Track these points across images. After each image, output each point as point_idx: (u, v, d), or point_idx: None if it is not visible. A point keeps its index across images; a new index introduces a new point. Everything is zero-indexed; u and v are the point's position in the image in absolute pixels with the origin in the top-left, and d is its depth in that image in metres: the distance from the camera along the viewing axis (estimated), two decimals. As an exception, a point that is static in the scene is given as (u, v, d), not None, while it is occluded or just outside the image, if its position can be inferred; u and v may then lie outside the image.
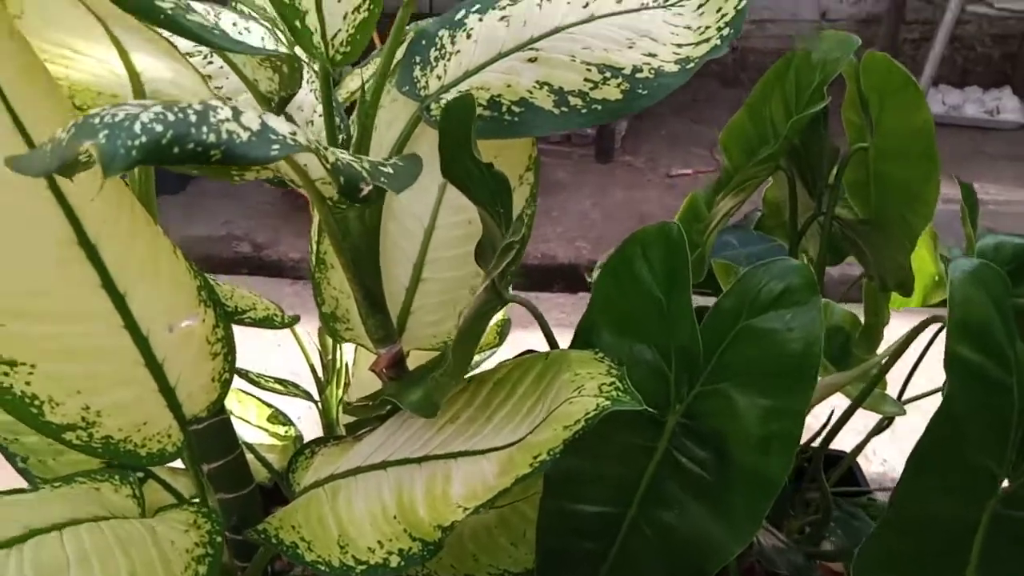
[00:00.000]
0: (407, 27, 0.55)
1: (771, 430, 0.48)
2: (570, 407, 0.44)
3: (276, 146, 0.28)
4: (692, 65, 0.52)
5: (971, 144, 2.45)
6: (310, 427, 0.99)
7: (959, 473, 0.40)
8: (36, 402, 0.49)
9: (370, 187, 0.35)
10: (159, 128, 0.25)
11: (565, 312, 1.78)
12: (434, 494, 0.50)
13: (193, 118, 0.26)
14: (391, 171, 0.38)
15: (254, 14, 0.63)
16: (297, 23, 0.42)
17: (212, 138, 0.26)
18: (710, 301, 0.50)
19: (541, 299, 1.83)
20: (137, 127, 0.25)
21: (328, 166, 0.31)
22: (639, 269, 0.48)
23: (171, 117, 0.26)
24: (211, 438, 0.61)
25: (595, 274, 0.95)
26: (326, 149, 0.33)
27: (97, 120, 0.25)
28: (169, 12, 0.36)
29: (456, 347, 0.45)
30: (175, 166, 0.27)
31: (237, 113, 0.28)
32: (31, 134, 0.42)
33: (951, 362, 0.39)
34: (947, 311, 0.38)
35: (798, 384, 0.47)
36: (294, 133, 0.30)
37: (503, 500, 0.49)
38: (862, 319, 0.78)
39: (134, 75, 0.54)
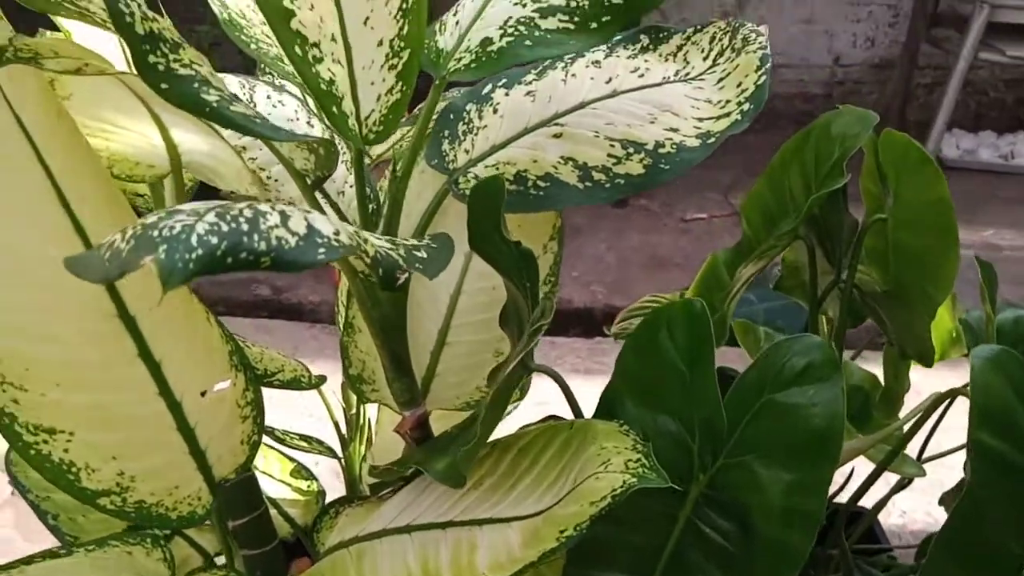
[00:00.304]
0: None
1: (794, 503, 0.48)
2: (597, 482, 0.45)
3: (322, 250, 0.29)
4: (713, 140, 0.54)
5: (986, 188, 2.46)
6: (325, 472, 1.00)
7: (983, 557, 0.41)
8: (73, 469, 0.50)
9: (407, 274, 0.36)
10: (214, 240, 0.26)
11: (580, 357, 1.78)
12: (460, 563, 0.50)
13: (245, 227, 0.28)
14: (425, 255, 0.39)
15: (285, 83, 0.66)
16: (335, 108, 0.44)
17: (263, 246, 0.27)
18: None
19: (556, 343, 1.83)
20: (194, 239, 0.26)
21: (368, 260, 0.32)
22: (663, 343, 0.49)
23: (224, 228, 0.27)
24: (237, 495, 0.62)
25: (614, 329, 0.96)
26: (365, 242, 0.34)
27: (156, 233, 0.26)
28: (215, 105, 0.37)
29: (484, 420, 0.46)
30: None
31: (285, 217, 0.29)
32: (80, 219, 0.44)
33: (973, 449, 0.39)
34: (969, 396, 0.39)
35: (821, 459, 0.47)
36: (337, 233, 0.31)
37: (527, 572, 0.50)
38: (880, 374, 0.79)
39: (172, 147, 0.56)
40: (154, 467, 0.53)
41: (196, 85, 0.37)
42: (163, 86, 0.36)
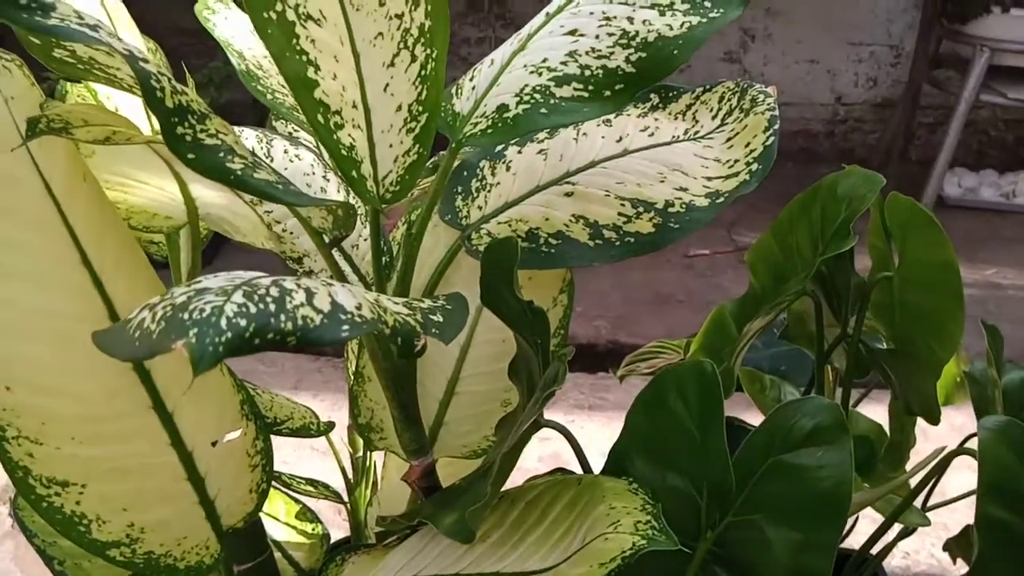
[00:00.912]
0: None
1: (801, 564, 0.49)
2: (606, 543, 0.45)
3: (346, 327, 0.30)
4: (722, 200, 0.55)
5: (988, 227, 2.47)
6: (325, 508, 0.99)
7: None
8: (84, 521, 0.50)
9: (423, 341, 0.37)
10: (243, 323, 0.27)
11: (584, 393, 1.78)
12: (467, 618, 0.50)
13: (272, 307, 0.28)
14: (440, 319, 0.40)
15: (299, 133, 0.67)
16: (354, 173, 0.45)
17: (289, 326, 0.28)
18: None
19: (560, 379, 1.83)
20: (223, 322, 0.27)
21: (388, 331, 0.33)
22: (674, 404, 0.49)
23: (252, 309, 0.28)
24: (243, 541, 0.62)
25: (620, 372, 0.97)
26: (385, 312, 0.35)
27: (186, 316, 0.27)
28: (239, 173, 0.38)
29: (496, 477, 0.46)
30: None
31: (310, 295, 0.30)
32: (101, 279, 0.45)
33: (982, 523, 0.40)
34: (977, 470, 0.40)
35: (829, 520, 0.48)
36: (360, 307, 0.32)
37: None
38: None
39: (190, 201, 0.57)
40: (164, 518, 0.53)
41: (222, 155, 0.38)
42: (190, 156, 0.37)
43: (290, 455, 1.50)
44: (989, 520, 0.40)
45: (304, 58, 0.41)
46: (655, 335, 1.89)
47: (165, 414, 0.52)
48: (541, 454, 1.46)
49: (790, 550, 0.49)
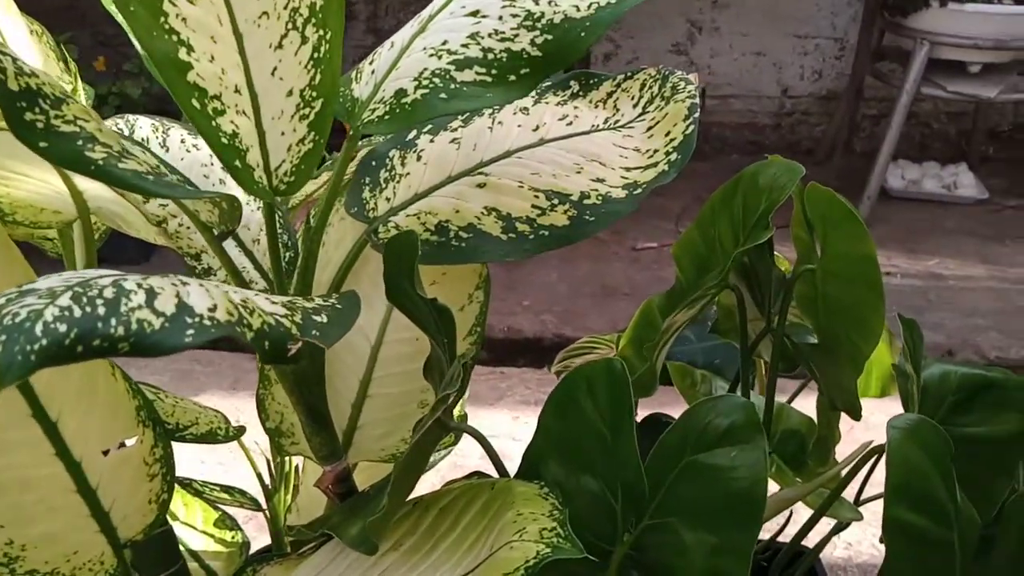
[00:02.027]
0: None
1: (718, 566, 0.47)
2: (511, 552, 0.43)
3: (191, 332, 0.27)
4: (640, 191, 0.53)
5: (930, 219, 2.51)
6: (258, 515, 0.96)
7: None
8: (-47, 540, 0.46)
9: (299, 344, 0.34)
10: (63, 328, 0.24)
11: (530, 388, 1.76)
12: (373, 631, 0.48)
13: (102, 310, 0.25)
14: (324, 320, 0.37)
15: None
16: (237, 162, 0.42)
17: (120, 331, 0.25)
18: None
19: (507, 374, 1.82)
20: (38, 329, 0.24)
21: (251, 335, 0.30)
22: (584, 404, 0.47)
23: (78, 312, 0.25)
24: (152, 551, 0.59)
25: (554, 368, 0.95)
26: (251, 314, 0.32)
27: (-3, 321, 0.24)
28: (100, 163, 0.35)
29: (393, 488, 0.44)
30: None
31: (152, 296, 0.27)
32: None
33: (890, 527, 0.38)
34: (884, 472, 0.38)
35: (744, 521, 0.46)
36: (214, 308, 0.29)
37: (443, 642, 0.47)
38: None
39: (77, 195, 0.53)
40: (49, 533, 0.50)
41: (80, 143, 0.35)
42: (42, 144, 0.34)
43: (226, 456, 1.45)
44: (897, 523, 0.39)
45: (174, 38, 0.38)
46: (601, 329, 1.88)
47: (47, 422, 0.48)
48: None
49: (706, 553, 0.48)
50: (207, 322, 0.28)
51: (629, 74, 0.59)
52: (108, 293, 0.26)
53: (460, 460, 1.45)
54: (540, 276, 2.11)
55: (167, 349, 0.26)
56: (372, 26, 2.67)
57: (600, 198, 0.53)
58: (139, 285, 0.28)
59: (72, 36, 2.13)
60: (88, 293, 0.26)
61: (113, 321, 0.25)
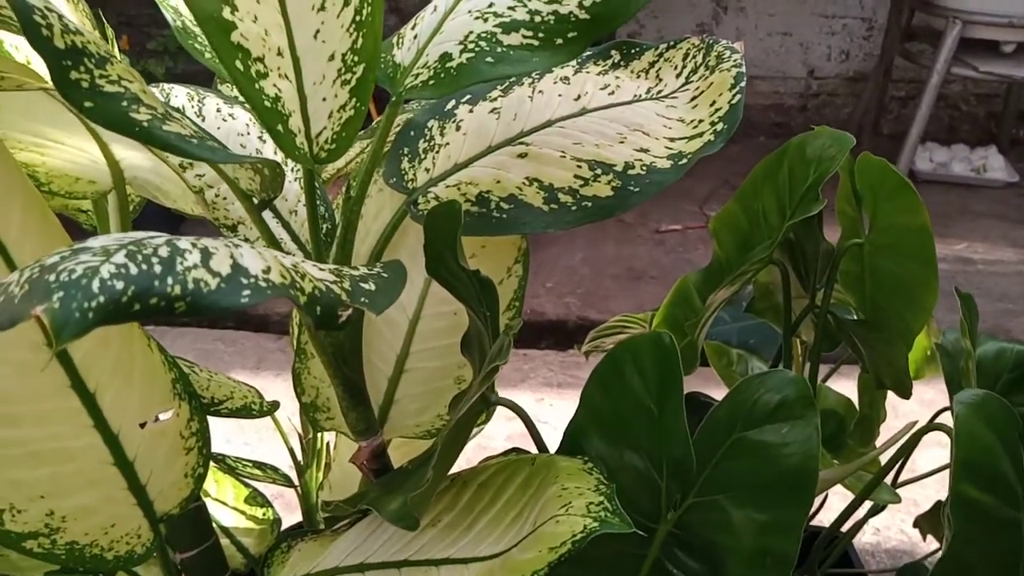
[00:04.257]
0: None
1: (767, 545, 0.46)
2: (557, 527, 0.42)
3: (247, 292, 0.26)
4: (685, 161, 0.51)
5: (959, 202, 2.47)
6: (289, 491, 0.96)
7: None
8: (-6, 510, 0.46)
9: (349, 311, 0.33)
10: (120, 285, 0.23)
11: (553, 370, 1.75)
12: (414, 606, 0.48)
13: (158, 268, 0.25)
14: (372, 287, 0.36)
15: (240, 96, 0.62)
16: (280, 127, 0.41)
17: (177, 290, 0.24)
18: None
19: (529, 356, 1.81)
20: (95, 285, 0.23)
21: (304, 299, 0.30)
22: (630, 378, 0.46)
23: (134, 270, 0.24)
24: (185, 526, 0.59)
25: (585, 347, 0.94)
26: (303, 278, 0.31)
27: (53, 278, 0.23)
28: (145, 124, 0.34)
29: (438, 462, 0.43)
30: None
31: (207, 256, 0.26)
32: (7, 247, 0.41)
33: (956, 503, 0.37)
34: (951, 448, 0.37)
35: (795, 499, 0.45)
36: (268, 271, 0.28)
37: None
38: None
39: (114, 164, 0.53)
40: (88, 505, 0.50)
41: (125, 103, 0.34)
42: (87, 104, 0.33)
43: (252, 437, 1.46)
44: (964, 501, 0.37)
45: (218, -4, 0.37)
46: (625, 311, 1.87)
47: (86, 394, 0.48)
48: (510, 432, 1.43)
49: (754, 531, 0.46)
50: (262, 283, 0.27)
51: (672, 43, 0.58)
52: (163, 252, 0.26)
53: (485, 442, 1.45)
54: (563, 258, 2.09)
55: (224, 309, 0.25)
56: (394, 5, 2.65)
57: (644, 168, 0.51)
58: (193, 245, 0.27)
59: (95, 12, 2.13)
60: (143, 251, 0.25)
61: (170, 280, 0.24)
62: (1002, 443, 0.38)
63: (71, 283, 0.23)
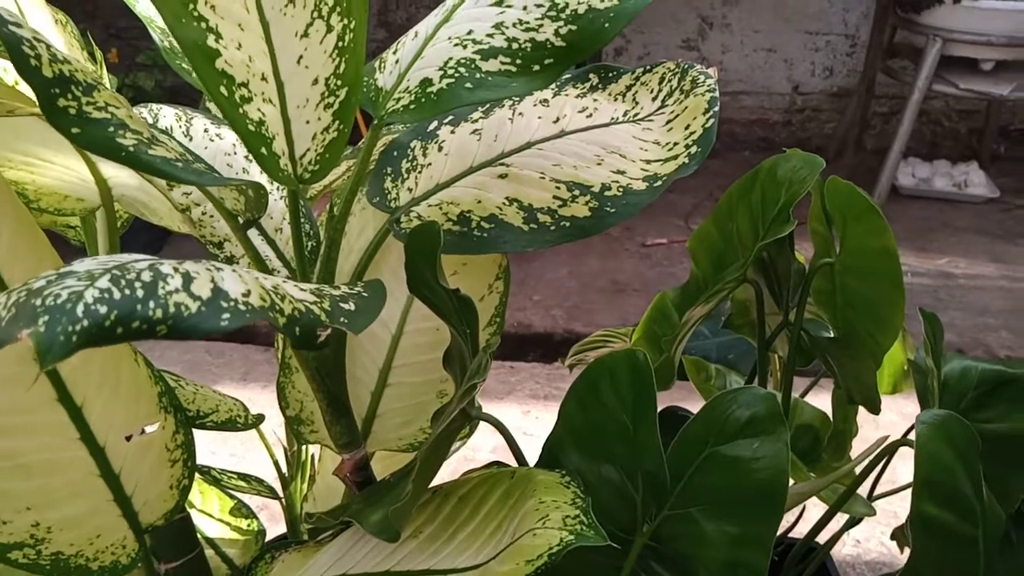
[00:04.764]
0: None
1: (739, 557, 0.47)
2: (534, 539, 0.43)
3: (226, 316, 0.27)
4: (660, 183, 0.53)
5: (940, 217, 2.50)
6: (274, 504, 0.96)
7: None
8: (-19, 523, 0.47)
9: (328, 332, 0.34)
10: (103, 310, 0.25)
11: (539, 383, 1.77)
12: (394, 617, 0.48)
13: (140, 293, 0.26)
14: (352, 307, 0.38)
15: (227, 115, 0.64)
16: (264, 150, 0.42)
17: (159, 314, 0.25)
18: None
19: (516, 368, 1.82)
20: (80, 310, 0.24)
21: (283, 320, 0.31)
22: (605, 394, 0.48)
23: (117, 295, 0.25)
24: (170, 537, 0.59)
25: (568, 361, 0.95)
26: (282, 299, 0.32)
27: (39, 303, 0.24)
28: (131, 149, 0.36)
29: (418, 475, 0.44)
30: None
31: (188, 280, 0.27)
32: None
33: (916, 521, 0.38)
34: (912, 466, 0.38)
35: (766, 512, 0.46)
36: (247, 294, 0.29)
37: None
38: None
39: (102, 182, 0.54)
40: (73, 516, 0.50)
41: (111, 129, 0.35)
42: (74, 131, 0.34)
43: (239, 448, 1.46)
44: (924, 518, 0.39)
45: (203, 25, 0.38)
46: (610, 325, 1.88)
47: (73, 407, 0.49)
48: (495, 444, 1.44)
49: (727, 543, 0.48)
50: (242, 307, 0.28)
51: (648, 68, 0.60)
52: (146, 276, 0.27)
53: (471, 454, 1.45)
54: (550, 271, 2.11)
55: (203, 332, 0.26)
56: (383, 20, 2.67)
57: (621, 190, 0.53)
58: (175, 269, 0.28)
59: (84, 28, 2.14)
60: (126, 276, 0.26)
61: (151, 304, 0.26)
62: (961, 462, 0.39)
63: (56, 307, 0.24)
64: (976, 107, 2.79)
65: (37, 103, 0.34)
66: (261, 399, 1.57)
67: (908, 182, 2.59)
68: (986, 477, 0.46)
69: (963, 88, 2.28)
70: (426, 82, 0.45)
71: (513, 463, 0.60)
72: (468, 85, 0.45)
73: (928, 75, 2.30)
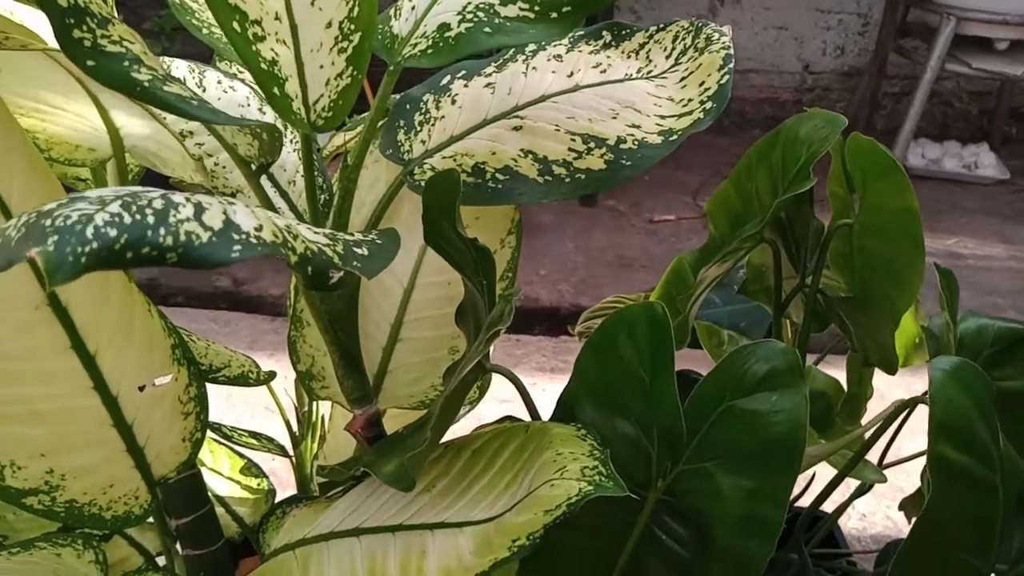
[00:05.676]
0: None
1: (754, 511, 0.47)
2: (552, 490, 0.43)
3: (238, 247, 0.27)
4: (675, 138, 0.52)
5: (950, 198, 2.48)
6: (282, 467, 0.96)
7: (946, 573, 0.39)
8: (-4, 466, 0.47)
9: (340, 273, 0.34)
10: (113, 233, 0.24)
11: (546, 356, 1.77)
12: (408, 569, 0.48)
13: (151, 219, 0.25)
14: (365, 252, 0.37)
15: (240, 71, 0.63)
16: (276, 90, 0.41)
17: (169, 241, 0.25)
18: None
19: (522, 341, 1.82)
20: (89, 231, 0.24)
21: (295, 258, 0.30)
22: (623, 347, 0.47)
23: (127, 219, 0.25)
24: (181, 493, 0.60)
25: (577, 329, 0.95)
26: (295, 238, 0.32)
27: (49, 223, 0.24)
28: (146, 84, 0.35)
29: (436, 423, 0.44)
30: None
31: (200, 210, 0.27)
32: (10, 207, 0.41)
33: (934, 464, 0.38)
34: (928, 411, 0.38)
35: (782, 467, 0.46)
36: (260, 228, 0.29)
37: (478, 579, 0.48)
38: (844, 379, 0.78)
39: (113, 131, 0.53)
40: (87, 464, 0.50)
41: (126, 63, 0.35)
42: (89, 63, 0.34)
43: (245, 413, 1.46)
44: (942, 461, 0.38)
45: (219, -41, 0.37)
46: (618, 298, 1.86)
47: (86, 355, 0.49)
48: (503, 415, 1.44)
49: (742, 498, 0.47)
50: (253, 240, 0.28)
51: (662, 26, 0.59)
52: (157, 204, 0.26)
53: (475, 424, 1.45)
54: (557, 246, 2.10)
55: (214, 262, 0.26)
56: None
57: (636, 143, 0.52)
58: (188, 199, 0.27)
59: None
60: (138, 202, 0.26)
61: (162, 230, 0.25)
62: (977, 408, 0.39)
63: (66, 228, 0.24)
64: (987, 88, 2.76)
65: (49, 39, 0.34)
66: (267, 367, 1.58)
67: (918, 162, 2.58)
68: (1004, 434, 0.46)
69: (976, 68, 2.26)
70: (444, 27, 0.45)
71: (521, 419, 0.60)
72: (487, 30, 0.44)
73: (941, 54, 2.27)
